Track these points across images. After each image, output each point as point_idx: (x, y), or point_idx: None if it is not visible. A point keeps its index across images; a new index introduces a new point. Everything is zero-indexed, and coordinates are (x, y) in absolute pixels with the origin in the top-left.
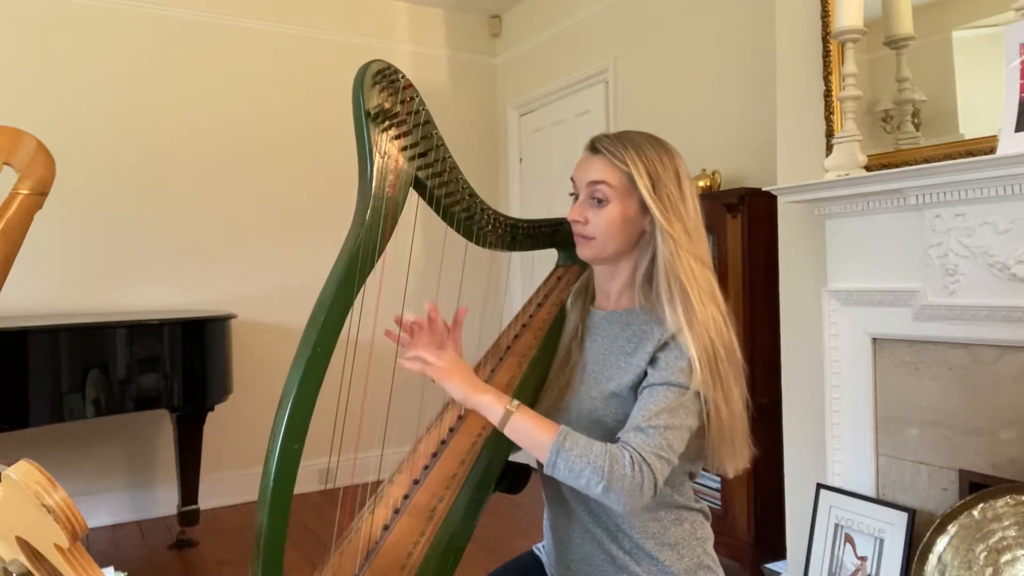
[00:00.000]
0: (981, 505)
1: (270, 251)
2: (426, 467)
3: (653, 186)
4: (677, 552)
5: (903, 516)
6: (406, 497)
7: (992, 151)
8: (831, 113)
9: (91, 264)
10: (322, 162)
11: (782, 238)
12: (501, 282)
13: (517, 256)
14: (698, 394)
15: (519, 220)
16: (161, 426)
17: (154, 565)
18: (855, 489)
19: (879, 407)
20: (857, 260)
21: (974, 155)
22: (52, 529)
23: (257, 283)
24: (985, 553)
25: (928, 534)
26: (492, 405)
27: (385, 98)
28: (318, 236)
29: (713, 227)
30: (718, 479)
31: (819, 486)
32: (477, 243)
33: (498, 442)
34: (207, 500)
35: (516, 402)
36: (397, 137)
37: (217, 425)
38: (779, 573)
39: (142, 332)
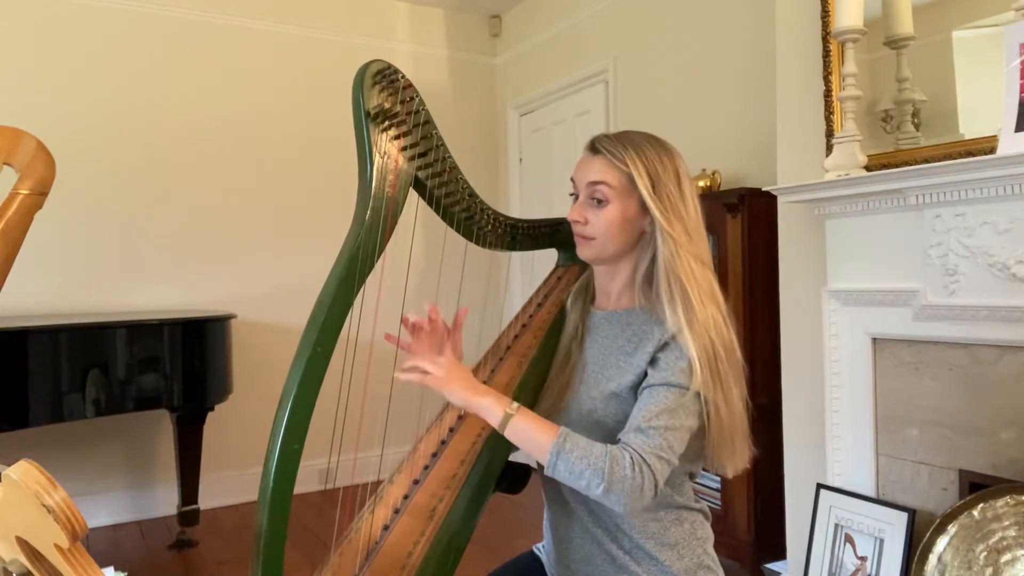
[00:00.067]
0: (981, 505)
1: (270, 251)
2: (426, 467)
3: (653, 186)
4: (677, 552)
5: (903, 516)
6: (406, 497)
7: (992, 151)
8: (831, 113)
9: (91, 264)
10: (322, 162)
11: (782, 238)
12: (501, 282)
13: (517, 256)
14: (698, 394)
15: (519, 220)
16: (161, 426)
17: (154, 565)
18: (855, 489)
19: (879, 407)
20: (857, 260)
21: (974, 155)
22: (52, 529)
23: (257, 283)
24: (985, 553)
25: (928, 534)
26: (492, 408)
27: (385, 98)
28: (318, 236)
29: (713, 227)
30: (718, 479)
31: (819, 486)
32: (477, 243)
33: (498, 442)
34: (207, 500)
35: (516, 404)
36: (397, 137)
37: (217, 425)
38: (779, 573)
39: (142, 332)
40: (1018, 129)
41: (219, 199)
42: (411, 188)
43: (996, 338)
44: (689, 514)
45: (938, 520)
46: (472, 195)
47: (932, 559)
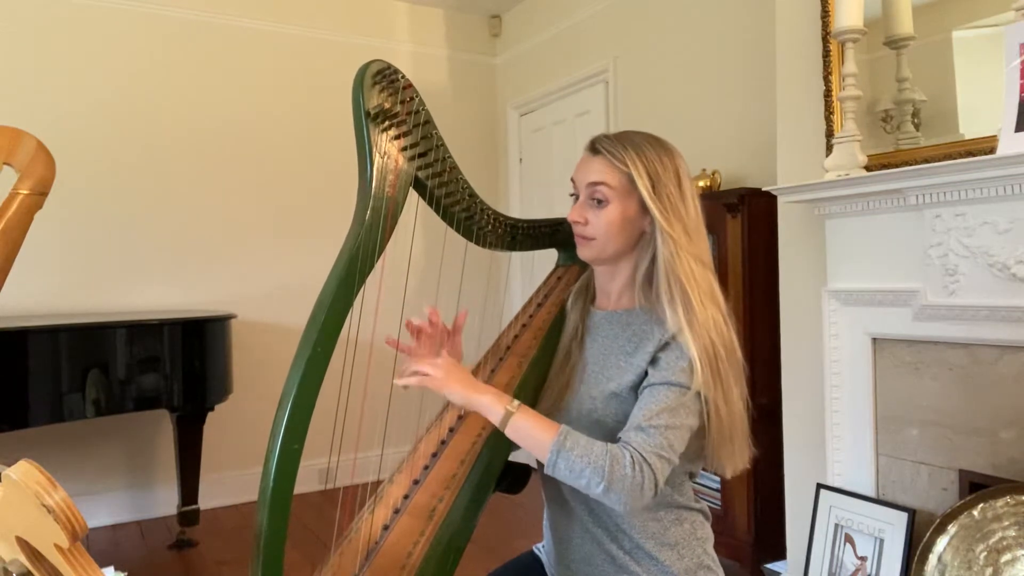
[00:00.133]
0: (981, 505)
1: (270, 251)
2: (426, 467)
3: (653, 187)
4: (677, 552)
5: (903, 516)
6: (406, 497)
7: (992, 151)
8: (831, 113)
9: (91, 264)
10: (322, 162)
11: (782, 238)
12: (501, 282)
13: (517, 256)
14: (699, 394)
15: (519, 220)
16: (161, 426)
17: (154, 565)
18: (855, 489)
19: (879, 407)
20: (857, 260)
21: (974, 155)
22: (52, 529)
23: (257, 283)
24: (985, 553)
25: (928, 534)
26: (492, 406)
27: (385, 98)
28: (318, 236)
29: (713, 227)
30: (718, 479)
31: (819, 486)
32: (477, 243)
33: (498, 442)
34: (207, 500)
35: (516, 402)
36: (397, 137)
37: (217, 425)
38: (779, 573)
39: (142, 332)
40: (1018, 129)
41: (219, 199)
42: (411, 188)
43: (996, 338)
44: (689, 514)
45: (938, 520)
46: (472, 195)
47: (932, 559)
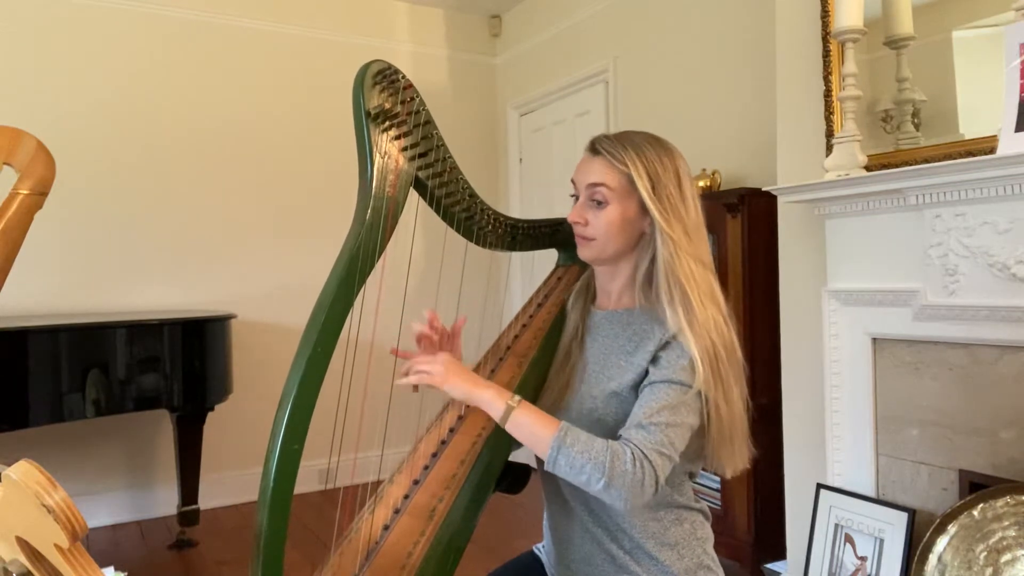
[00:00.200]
0: (981, 505)
1: (270, 251)
2: (426, 467)
3: (653, 187)
4: (677, 552)
5: (903, 516)
6: (406, 497)
7: (992, 151)
8: (831, 113)
9: (91, 264)
10: (322, 162)
11: (782, 238)
12: (501, 282)
13: (517, 256)
14: (699, 393)
15: (519, 220)
16: (161, 426)
17: (154, 565)
18: (855, 489)
19: (879, 407)
20: (857, 260)
21: (974, 155)
22: (52, 529)
23: (257, 283)
24: (985, 553)
25: (928, 534)
26: (493, 401)
27: (385, 98)
28: (318, 236)
29: (713, 227)
30: (718, 479)
31: (819, 486)
32: (477, 243)
33: (498, 442)
34: (207, 500)
35: (517, 398)
36: (397, 137)
37: (217, 425)
38: (779, 573)
39: (142, 332)
40: (1018, 129)
41: (219, 199)
42: (411, 188)
43: (996, 338)
44: (689, 514)
45: (938, 520)
46: (472, 195)
47: (932, 559)
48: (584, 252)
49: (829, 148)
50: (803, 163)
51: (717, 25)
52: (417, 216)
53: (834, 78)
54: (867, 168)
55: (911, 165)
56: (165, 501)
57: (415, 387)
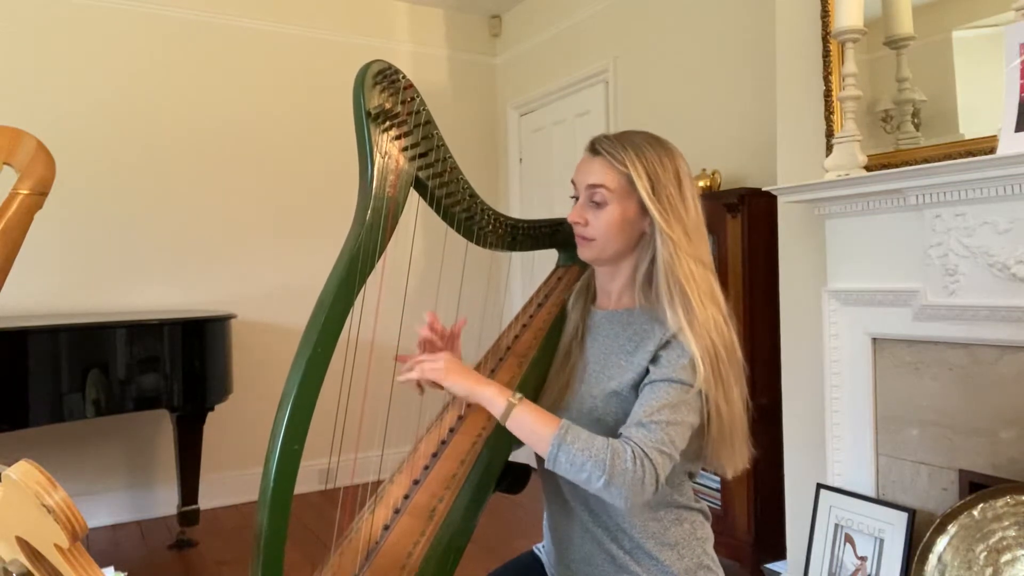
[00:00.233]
0: (981, 505)
1: (270, 251)
2: (426, 467)
3: (652, 188)
4: (677, 552)
5: (903, 516)
6: (406, 497)
7: (992, 151)
8: (831, 113)
9: (91, 264)
10: (322, 162)
11: (782, 238)
12: (501, 282)
13: (517, 256)
14: (700, 392)
15: (519, 220)
16: (161, 426)
17: (154, 565)
18: (855, 489)
19: (879, 407)
20: (857, 260)
21: (974, 155)
22: (52, 529)
23: (257, 283)
24: (985, 553)
25: (928, 534)
26: (495, 398)
27: (386, 98)
28: (318, 236)
29: (713, 227)
30: (718, 479)
31: (819, 486)
32: (477, 243)
33: (498, 442)
34: (207, 500)
35: (519, 395)
36: (398, 137)
37: (217, 425)
38: (779, 573)
39: (142, 332)
40: (1018, 129)
41: (219, 199)
42: (412, 188)
43: (996, 338)
44: (689, 514)
45: (938, 520)
46: (473, 195)
47: (932, 559)
48: (584, 252)
49: (829, 148)
50: (803, 163)
51: (717, 25)
52: (417, 216)
53: (834, 78)
54: (867, 168)
55: (911, 165)
56: (165, 501)
57: (420, 389)
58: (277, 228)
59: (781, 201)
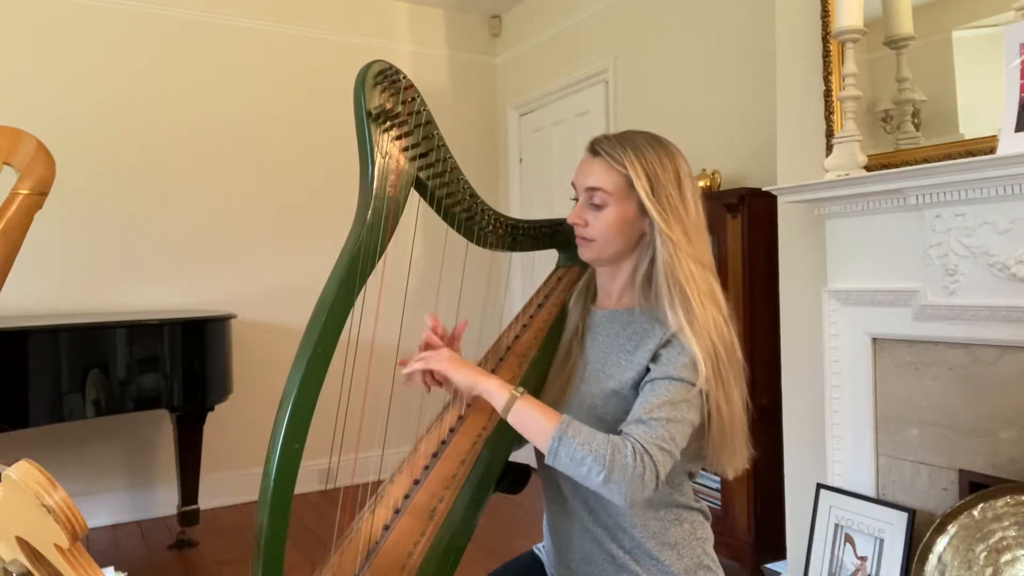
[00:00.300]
0: (981, 505)
1: (270, 251)
2: (426, 467)
3: (652, 189)
4: (677, 552)
5: (903, 516)
6: (406, 497)
7: (992, 151)
8: (831, 113)
9: (91, 264)
10: (322, 162)
11: (782, 238)
12: (501, 283)
13: (517, 256)
14: (700, 391)
15: (519, 221)
16: (161, 426)
17: (154, 565)
18: (855, 489)
19: (879, 407)
20: (857, 260)
21: (974, 155)
22: (52, 529)
23: (257, 283)
24: (985, 553)
25: (928, 534)
26: (497, 391)
27: (386, 99)
28: (318, 236)
29: (713, 227)
30: (718, 479)
31: (819, 486)
32: (478, 243)
33: (498, 442)
34: (207, 500)
35: (521, 389)
36: (398, 137)
37: (217, 425)
38: (779, 573)
39: (142, 332)
40: (1018, 129)
41: (219, 199)
42: (412, 188)
43: (996, 338)
44: (689, 514)
45: (938, 520)
46: (473, 195)
47: (932, 559)
48: (584, 253)
49: (829, 148)
50: (803, 163)
51: (717, 25)
52: (418, 216)
53: (834, 78)
54: (867, 168)
55: (911, 165)
56: (165, 501)
57: (427, 387)
58: (277, 228)
59: (781, 201)
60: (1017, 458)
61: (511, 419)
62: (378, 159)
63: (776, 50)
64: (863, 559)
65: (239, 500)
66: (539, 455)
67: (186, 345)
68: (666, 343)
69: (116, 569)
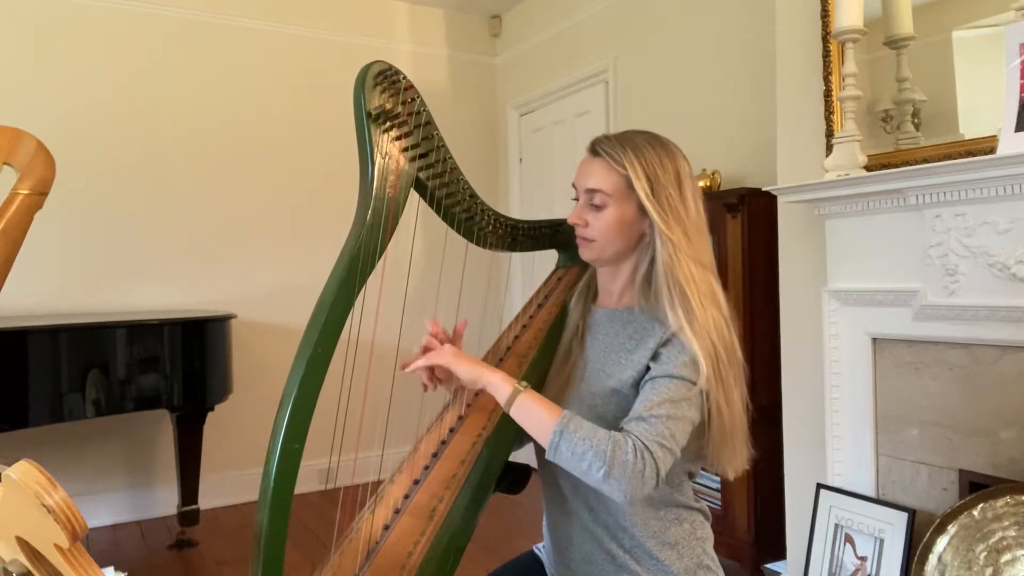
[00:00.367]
0: (981, 505)
1: (270, 251)
2: (426, 467)
3: (652, 189)
4: (677, 552)
5: (903, 516)
6: (406, 497)
7: (992, 151)
8: (831, 113)
9: (91, 264)
10: (322, 162)
11: (782, 238)
12: (501, 283)
13: (517, 257)
14: (701, 391)
15: (519, 221)
16: (161, 426)
17: (154, 565)
18: (855, 489)
19: (879, 407)
20: (857, 260)
21: (974, 155)
22: (52, 529)
23: (257, 283)
24: (985, 553)
25: (928, 534)
26: (501, 384)
27: (386, 99)
28: (318, 236)
29: (713, 227)
30: (718, 479)
31: (819, 486)
32: (477, 244)
33: (498, 442)
34: (207, 500)
35: (525, 383)
36: (398, 138)
37: (217, 425)
38: (779, 573)
39: (142, 332)
40: (1018, 129)
41: (219, 199)
42: (412, 189)
43: (996, 338)
44: (689, 514)
45: (938, 520)
46: (473, 196)
47: (932, 559)
48: (585, 253)
49: (829, 148)
50: (803, 163)
51: (717, 25)
52: (417, 217)
53: (834, 78)
54: (867, 168)
55: (911, 165)
56: (165, 501)
57: (432, 384)
58: (277, 228)
59: (781, 201)
60: (1017, 458)
61: (513, 412)
62: (378, 159)
63: (776, 50)
64: (863, 559)
65: (239, 500)
66: (539, 455)
67: (186, 345)
68: (666, 342)
69: (116, 569)
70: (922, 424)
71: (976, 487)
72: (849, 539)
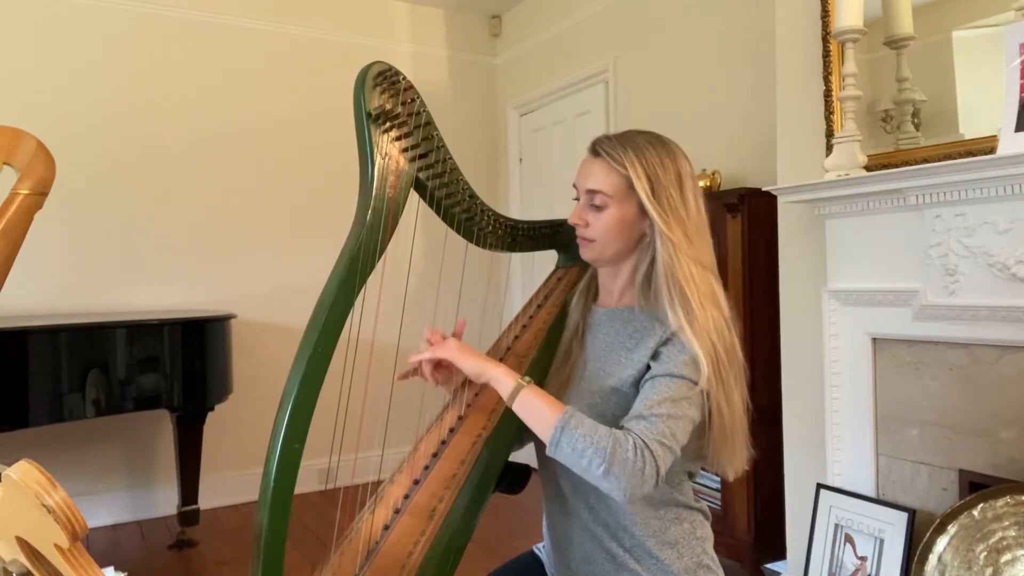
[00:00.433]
0: (981, 505)
1: (270, 251)
2: (426, 467)
3: (652, 190)
4: (677, 551)
5: (903, 516)
6: (406, 497)
7: (992, 151)
8: (831, 113)
9: (91, 264)
10: (322, 162)
11: (782, 238)
12: (501, 283)
13: (517, 257)
14: (701, 390)
15: (519, 221)
16: (161, 426)
17: (154, 565)
18: (855, 489)
19: (879, 407)
20: (857, 260)
21: (974, 155)
22: (52, 529)
23: (257, 283)
24: (985, 553)
25: (928, 534)
26: (504, 378)
27: (386, 99)
28: (318, 236)
29: (713, 227)
30: (718, 479)
31: (819, 486)
32: (477, 244)
33: (498, 442)
34: (207, 500)
35: (528, 378)
36: (398, 138)
37: (217, 425)
38: (779, 573)
39: (142, 332)
40: (1018, 129)
41: (219, 199)
42: (412, 189)
43: (996, 338)
44: (689, 513)
45: (938, 520)
46: (473, 196)
47: (932, 559)
48: (585, 253)
49: (829, 148)
50: (803, 163)
51: (717, 25)
52: (417, 217)
53: (834, 78)
54: (867, 168)
55: (911, 165)
56: (165, 501)
57: (435, 380)
58: (277, 228)
59: (781, 201)
60: (1017, 458)
61: (516, 407)
62: (378, 160)
63: (776, 50)
64: (863, 559)
65: (239, 500)
66: (539, 454)
67: (186, 345)
68: (666, 341)
69: (116, 569)
70: (922, 424)
71: (976, 487)
72: (849, 539)
